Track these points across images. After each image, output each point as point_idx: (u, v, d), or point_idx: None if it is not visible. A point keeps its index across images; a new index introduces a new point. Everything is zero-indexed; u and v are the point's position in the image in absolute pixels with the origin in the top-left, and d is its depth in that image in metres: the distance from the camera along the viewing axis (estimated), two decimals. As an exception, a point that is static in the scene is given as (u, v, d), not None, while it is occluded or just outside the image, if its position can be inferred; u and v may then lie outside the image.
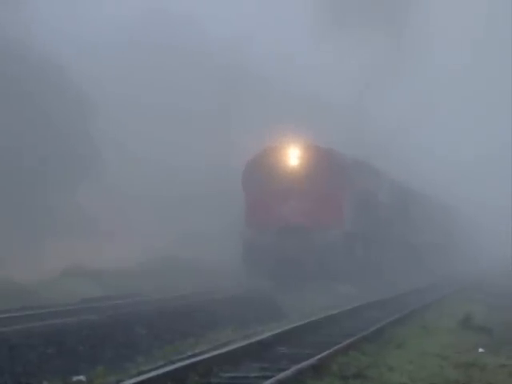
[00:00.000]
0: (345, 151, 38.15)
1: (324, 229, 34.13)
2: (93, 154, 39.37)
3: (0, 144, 35.59)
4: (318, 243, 33.87)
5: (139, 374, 13.18)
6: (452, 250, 70.18)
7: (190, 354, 15.86)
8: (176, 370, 12.91)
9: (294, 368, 13.38)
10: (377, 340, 18.32)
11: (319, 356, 14.73)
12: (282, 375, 12.62)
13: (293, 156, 35.47)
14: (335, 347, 16.09)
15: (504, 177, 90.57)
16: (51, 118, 38.29)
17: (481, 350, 18.67)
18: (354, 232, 35.89)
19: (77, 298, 26.07)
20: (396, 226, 45.66)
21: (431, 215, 59.50)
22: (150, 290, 28.78)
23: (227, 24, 49.80)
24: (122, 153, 39.79)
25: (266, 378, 12.65)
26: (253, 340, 16.87)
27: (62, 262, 32.45)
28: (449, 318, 24.40)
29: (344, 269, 34.48)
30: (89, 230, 36.73)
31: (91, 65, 40.52)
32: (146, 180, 40.04)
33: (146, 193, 39.70)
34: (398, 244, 46.02)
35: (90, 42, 44.14)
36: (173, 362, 14.23)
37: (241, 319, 21.97)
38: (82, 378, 13.71)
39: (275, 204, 34.69)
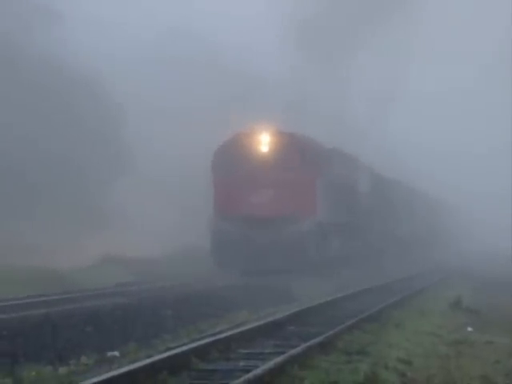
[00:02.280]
0: (324, 140, 34.20)
1: (295, 218, 29.49)
2: (124, 156, 39.55)
3: (46, 148, 36.16)
4: (288, 233, 29.30)
5: (166, 349, 13.17)
6: (438, 240, 66.87)
7: (210, 332, 15.83)
8: (199, 346, 12.89)
9: (303, 345, 13.33)
10: (377, 320, 18.27)
11: (326, 334, 14.67)
12: (293, 351, 12.58)
13: (263, 142, 30.53)
14: (340, 326, 16.05)
15: (495, 167, 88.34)
16: (90, 125, 38.57)
17: (469, 328, 18.62)
18: (328, 222, 31.54)
19: (111, 284, 26.11)
20: (379, 217, 41.71)
21: (417, 206, 55.76)
22: (175, 277, 28.75)
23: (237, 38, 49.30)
24: (150, 154, 39.79)
25: (279, 353, 12.60)
26: (266, 320, 16.84)
27: (98, 251, 32.56)
28: (441, 301, 24.33)
29: (316, 260, 30.30)
30: (122, 223, 36.84)
31: (122, 76, 40.56)
32: (171, 177, 39.92)
33: (171, 188, 39.61)
34: (381, 234, 42.05)
35: (119, 56, 44.29)
36: (196, 340, 14.20)
37: (255, 302, 21.92)
38: (116, 353, 13.70)
39: (244, 192, 29.96)
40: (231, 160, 30.43)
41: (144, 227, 36.73)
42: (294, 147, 30.37)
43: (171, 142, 40.52)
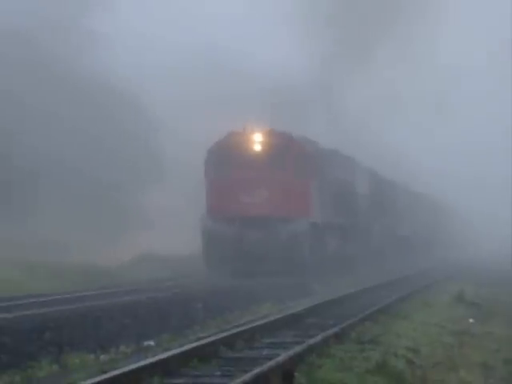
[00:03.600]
0: (322, 141, 31.43)
1: (288, 218, 26.72)
2: (156, 164, 39.77)
3: (89, 158, 36.54)
4: (281, 234, 26.53)
5: (197, 339, 13.23)
6: (440, 240, 63.55)
7: (236, 323, 15.87)
8: (226, 336, 12.94)
9: (320, 335, 13.35)
10: (387, 312, 18.26)
11: (341, 325, 14.69)
12: (311, 341, 12.60)
13: (256, 141, 27.47)
14: (353, 318, 16.06)
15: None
16: (131, 136, 38.89)
17: (471, 320, 18.57)
18: (324, 223, 28.77)
19: (146, 279, 26.19)
20: (379, 218, 38.58)
21: (418, 207, 52.48)
22: (203, 273, 28.82)
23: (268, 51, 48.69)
24: (177, 162, 39.82)
25: (299, 343, 12.64)
26: (287, 313, 16.87)
27: (135, 249, 32.69)
28: (444, 295, 24.26)
29: (311, 261, 27.51)
30: (156, 224, 37.01)
31: (160, 91, 40.71)
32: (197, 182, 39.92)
33: (196, 191, 39.63)
34: (382, 235, 39.00)
35: (158, 71, 44.43)
36: (223, 330, 14.25)
37: (277, 296, 21.93)
38: (151, 342, 13.78)
39: (236, 192, 26.97)
40: (224, 159, 27.56)
41: (177, 227, 36.79)
42: (288, 147, 27.60)
43: (199, 151, 40.62)
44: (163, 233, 36.12)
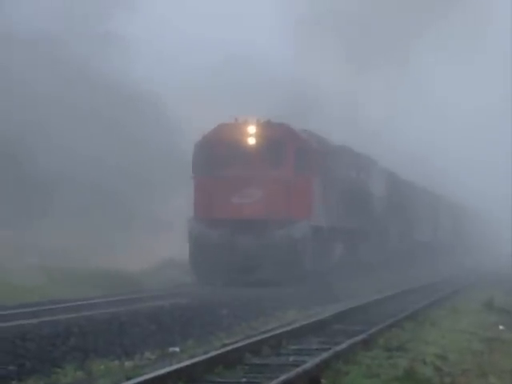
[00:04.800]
0: (337, 139, 28.71)
1: (287, 221, 23.62)
2: (180, 171, 39.91)
3: (116, 163, 36.78)
4: (278, 239, 23.44)
5: (222, 346, 13.17)
6: (463, 245, 61.24)
7: (262, 330, 15.80)
8: (252, 343, 12.88)
9: (347, 342, 13.26)
10: (415, 319, 18.13)
11: (368, 332, 14.59)
12: (338, 347, 12.52)
13: (250, 134, 24.17)
14: (381, 325, 15.95)
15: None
16: (154, 142, 39.10)
17: (501, 327, 18.39)
18: (330, 226, 25.83)
19: (171, 285, 26.17)
20: (397, 221, 36.10)
21: (441, 210, 50.08)
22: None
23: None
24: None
25: (325, 350, 12.55)
26: (314, 319, 16.79)
27: (159, 255, 32.72)
28: (474, 301, 24.08)
29: (313, 269, 24.66)
30: (180, 229, 37.09)
31: (181, 97, 40.79)
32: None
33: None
34: (400, 240, 36.63)
35: (181, 81, 44.54)
36: (249, 337, 14.19)
37: (303, 302, 21.84)
38: (176, 349, 13.73)
39: (228, 192, 23.90)
40: (213, 155, 24.41)
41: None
42: (286, 140, 24.30)
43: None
44: (185, 238, 36.27)
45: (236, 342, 13.48)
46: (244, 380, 10.45)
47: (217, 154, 24.46)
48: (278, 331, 14.50)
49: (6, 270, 23.61)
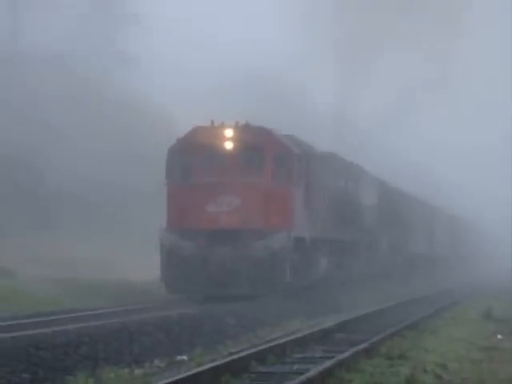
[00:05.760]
0: (325, 146, 27.01)
1: (265, 232, 21.69)
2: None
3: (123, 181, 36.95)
4: (255, 250, 21.52)
5: (229, 354, 13.24)
6: (460, 257, 58.99)
7: (267, 339, 15.85)
8: (257, 351, 12.95)
9: (350, 350, 13.32)
10: (415, 328, 18.17)
11: (370, 341, 14.64)
12: (341, 356, 12.58)
13: (227, 138, 22.13)
14: (382, 334, 16.00)
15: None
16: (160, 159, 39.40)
17: (499, 336, 18.40)
18: (314, 237, 23.88)
19: (179, 295, 26.12)
20: (389, 232, 34.24)
21: (436, 220, 47.72)
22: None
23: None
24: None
25: (329, 358, 12.62)
26: (317, 328, 16.84)
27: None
28: (472, 311, 24.09)
29: (294, 282, 22.61)
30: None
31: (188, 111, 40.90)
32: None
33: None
34: (392, 252, 34.76)
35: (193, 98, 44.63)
36: (255, 346, 14.24)
37: (307, 312, 21.87)
38: (184, 357, 13.79)
39: (202, 200, 21.83)
40: (186, 160, 22.47)
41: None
42: (265, 145, 22.32)
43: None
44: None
45: (242, 350, 13.54)
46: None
47: (191, 159, 22.43)
48: (282, 340, 14.55)
49: (19, 280, 23.73)
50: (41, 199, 38.73)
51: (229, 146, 22.23)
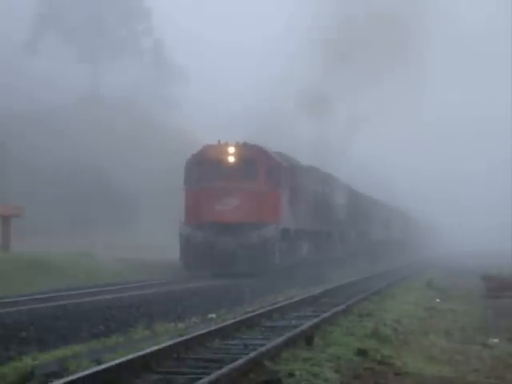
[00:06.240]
0: (305, 160, 26.06)
1: (258, 224, 21.48)
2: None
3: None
4: (251, 238, 21.46)
5: (245, 313, 13.22)
6: (410, 243, 58.18)
7: (273, 302, 15.80)
8: (265, 311, 12.91)
9: (331, 310, 13.28)
10: (378, 294, 18.10)
11: (346, 303, 14.59)
12: (324, 314, 12.55)
13: (230, 154, 22.12)
14: (355, 299, 15.94)
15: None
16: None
17: (438, 300, 18.37)
18: (297, 229, 23.52)
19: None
20: (355, 225, 33.22)
21: (391, 217, 47.28)
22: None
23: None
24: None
25: (316, 316, 12.59)
26: (308, 295, 16.78)
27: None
28: (419, 282, 24.00)
29: (281, 263, 22.32)
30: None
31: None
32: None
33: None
34: (358, 240, 33.77)
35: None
36: (263, 307, 14.20)
37: (302, 282, 21.73)
38: (213, 315, 13.77)
39: (211, 200, 21.73)
40: (199, 170, 22.29)
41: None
42: (259, 158, 22.15)
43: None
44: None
45: (254, 310, 13.52)
46: (261, 337, 10.45)
47: (203, 170, 22.28)
48: (283, 303, 14.52)
49: (98, 261, 23.70)
50: (119, 201, 38.94)
51: (231, 159, 22.22)
